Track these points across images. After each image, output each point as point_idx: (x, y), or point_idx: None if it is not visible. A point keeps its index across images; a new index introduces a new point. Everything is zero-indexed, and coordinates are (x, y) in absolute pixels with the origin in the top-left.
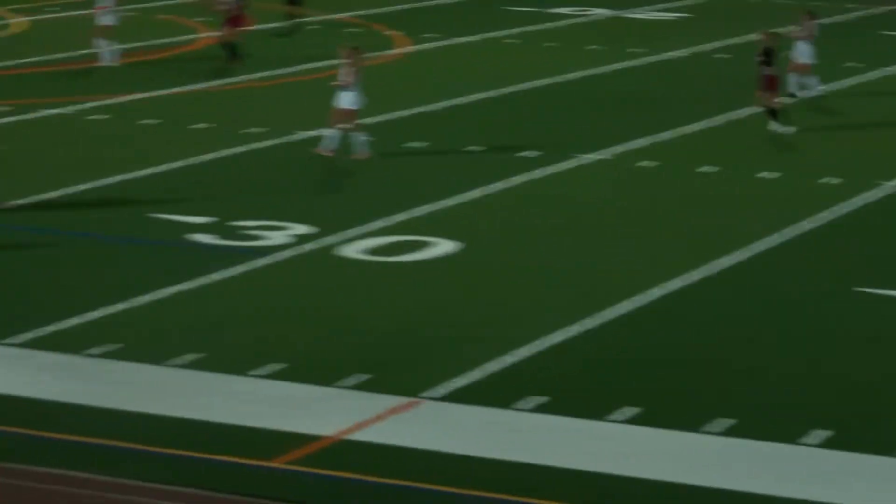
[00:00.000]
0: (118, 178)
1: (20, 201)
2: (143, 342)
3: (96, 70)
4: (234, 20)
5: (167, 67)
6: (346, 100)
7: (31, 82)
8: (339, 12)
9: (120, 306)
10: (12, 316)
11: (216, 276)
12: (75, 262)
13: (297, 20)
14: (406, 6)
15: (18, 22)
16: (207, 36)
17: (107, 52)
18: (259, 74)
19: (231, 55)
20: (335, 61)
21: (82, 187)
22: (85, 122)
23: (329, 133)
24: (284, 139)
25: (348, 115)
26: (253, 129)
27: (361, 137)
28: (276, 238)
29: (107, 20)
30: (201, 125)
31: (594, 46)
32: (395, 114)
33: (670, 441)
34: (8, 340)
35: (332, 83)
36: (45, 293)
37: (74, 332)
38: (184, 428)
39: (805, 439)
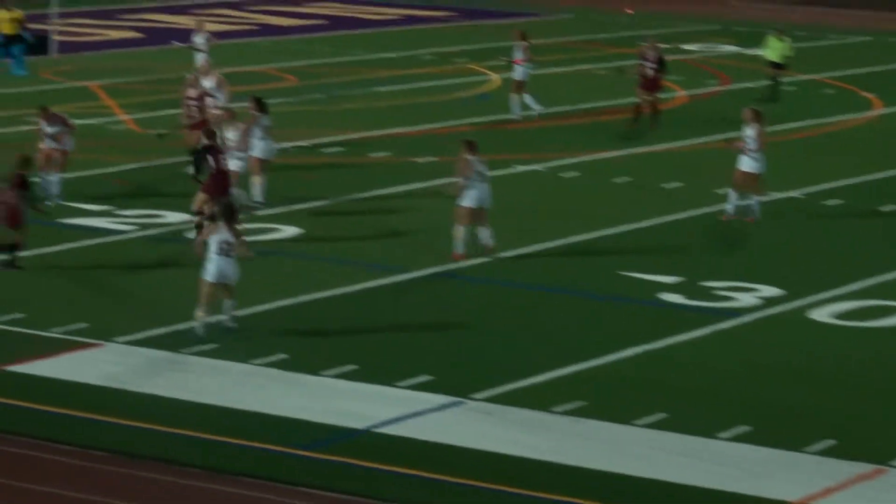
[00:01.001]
0: (591, 234)
1: (501, 255)
2: (608, 400)
3: (564, 127)
4: (651, 83)
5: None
6: (748, 163)
7: (507, 137)
8: (819, 73)
9: (587, 363)
10: (477, 371)
11: (684, 337)
12: (546, 316)
13: (776, 81)
14: (887, 67)
15: (494, 78)
16: (679, 95)
17: (535, 107)
18: (727, 134)
19: (653, 120)
20: (813, 121)
21: (553, 244)
22: (557, 179)
23: (751, 199)
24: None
25: (749, 178)
26: (721, 190)
27: (755, 200)
28: (744, 300)
29: (518, 75)
30: (673, 184)
31: None
32: (869, 176)
33: None
34: (476, 395)
35: (733, 145)
36: (519, 348)
37: (541, 388)
38: (645, 488)
39: None
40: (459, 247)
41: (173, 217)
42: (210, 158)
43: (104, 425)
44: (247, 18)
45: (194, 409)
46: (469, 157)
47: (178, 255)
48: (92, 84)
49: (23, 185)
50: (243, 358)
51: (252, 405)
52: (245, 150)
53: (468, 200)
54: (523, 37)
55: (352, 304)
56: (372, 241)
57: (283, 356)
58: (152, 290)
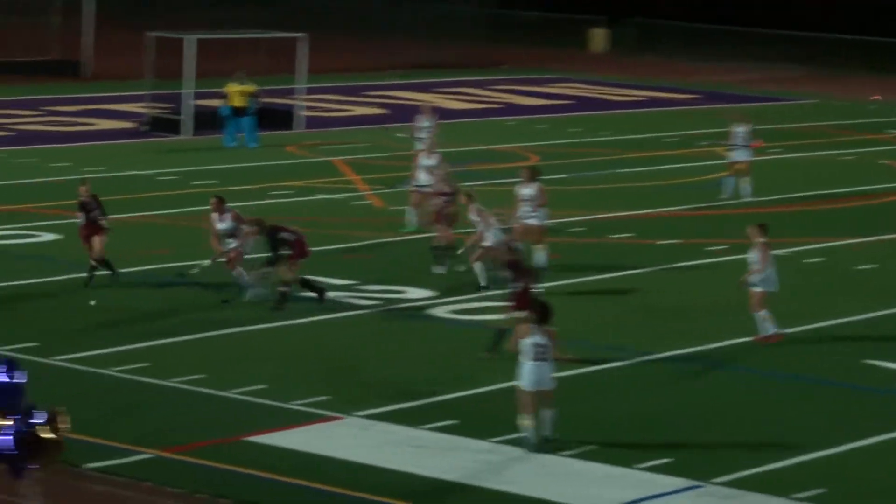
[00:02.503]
0: (835, 321)
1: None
2: (849, 489)
3: (807, 213)
4: None
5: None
6: None
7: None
8: None
9: (828, 451)
10: (717, 455)
11: None
12: (788, 403)
13: None
14: None
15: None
16: None
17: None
18: None
19: None
20: None
21: (795, 329)
22: (799, 264)
23: None
24: None
25: None
26: None
27: None
28: None
29: (740, 156)
30: None
31: None
32: None
33: None
34: (715, 479)
35: None
36: (760, 434)
37: (779, 474)
38: None
39: None
40: (768, 328)
41: (415, 293)
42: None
43: (339, 498)
44: (492, 97)
45: (431, 485)
46: (762, 239)
47: (420, 331)
48: (336, 159)
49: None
50: (482, 435)
51: (488, 483)
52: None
53: (764, 285)
54: (744, 120)
55: (589, 384)
56: (611, 323)
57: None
58: (391, 364)
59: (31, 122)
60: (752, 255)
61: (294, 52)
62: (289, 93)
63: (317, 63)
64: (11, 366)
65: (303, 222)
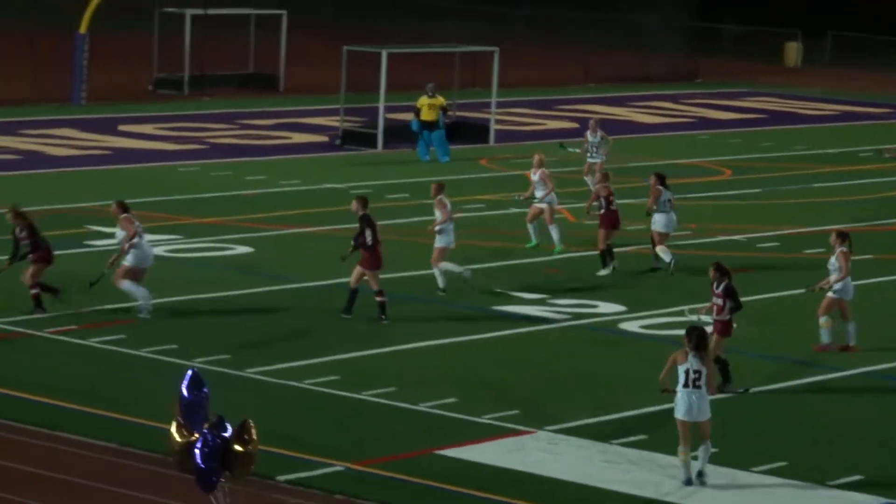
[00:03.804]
0: None
1: None
2: None
3: None
4: None
5: None
6: None
7: None
8: None
9: None
10: None
11: None
12: None
13: None
14: None
15: None
16: None
17: None
18: None
19: None
20: None
21: None
22: None
23: None
24: None
25: None
26: None
27: None
28: None
29: None
30: None
31: None
32: None
33: None
34: None
35: None
36: None
37: None
38: None
39: None
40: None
41: (606, 307)
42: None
43: None
44: (685, 111)
45: (622, 500)
46: (843, 248)
47: (610, 346)
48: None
49: None
50: (672, 450)
51: (680, 499)
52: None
53: (842, 293)
54: None
55: (777, 399)
56: (810, 338)
57: (714, 450)
58: (581, 379)
59: (226, 135)
60: (834, 263)
61: (487, 66)
62: (482, 106)
63: (510, 76)
64: (196, 380)
65: (496, 236)
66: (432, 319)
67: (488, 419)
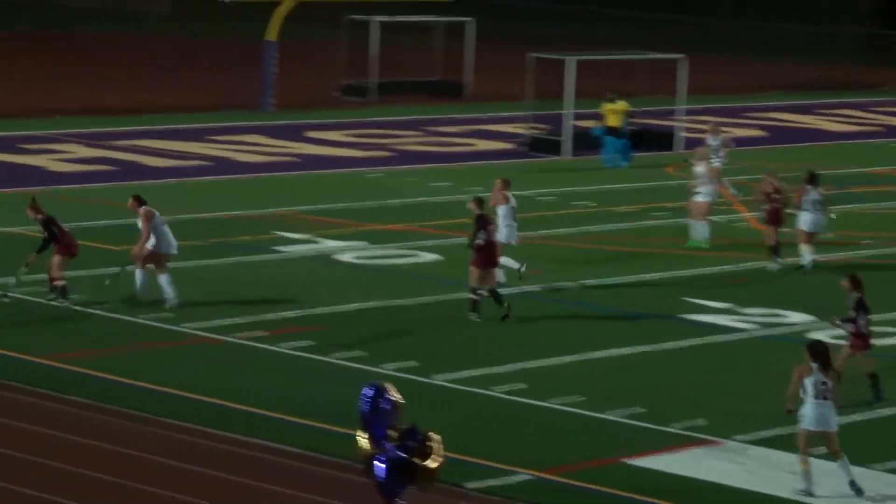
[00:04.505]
0: None
1: None
2: None
3: None
4: None
5: None
6: None
7: None
8: None
9: None
10: None
11: None
12: None
13: None
14: None
15: None
16: None
17: None
18: None
19: None
20: None
21: None
22: None
23: None
24: None
25: None
26: None
27: None
28: None
29: None
30: None
31: None
32: None
33: None
34: None
35: None
36: None
37: None
38: None
39: None
40: None
41: (796, 317)
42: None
43: None
44: (872, 119)
45: None
46: None
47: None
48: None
49: None
50: (863, 461)
51: None
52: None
53: None
54: None
55: None
56: None
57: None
58: (770, 388)
59: (413, 141)
60: None
61: (673, 73)
62: (668, 114)
63: (696, 83)
64: (378, 393)
65: (680, 244)
66: (618, 328)
67: (676, 429)
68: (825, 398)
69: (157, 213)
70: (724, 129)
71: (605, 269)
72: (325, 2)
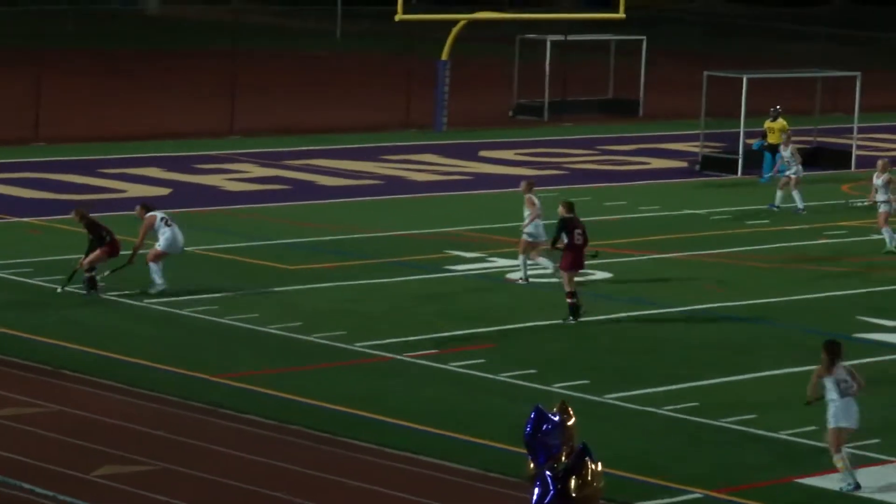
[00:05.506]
0: None
1: None
2: None
3: None
4: None
5: None
6: None
7: None
8: None
9: None
10: None
11: None
12: None
13: None
14: None
15: None
16: None
17: None
18: None
19: None
20: None
21: None
22: None
23: None
24: None
25: None
26: None
27: None
28: None
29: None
30: None
31: None
32: None
33: None
34: None
35: None
36: None
37: None
38: None
39: None
40: None
41: None
42: None
43: None
44: None
45: None
46: None
47: None
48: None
49: None
50: None
51: None
52: None
53: None
54: None
55: None
56: None
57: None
58: None
59: (586, 160)
60: None
61: (848, 90)
62: (844, 132)
63: (873, 101)
64: (539, 419)
65: (856, 263)
66: (792, 346)
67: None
68: (849, 395)
69: (169, 219)
70: None
71: (779, 289)
72: (496, 21)
